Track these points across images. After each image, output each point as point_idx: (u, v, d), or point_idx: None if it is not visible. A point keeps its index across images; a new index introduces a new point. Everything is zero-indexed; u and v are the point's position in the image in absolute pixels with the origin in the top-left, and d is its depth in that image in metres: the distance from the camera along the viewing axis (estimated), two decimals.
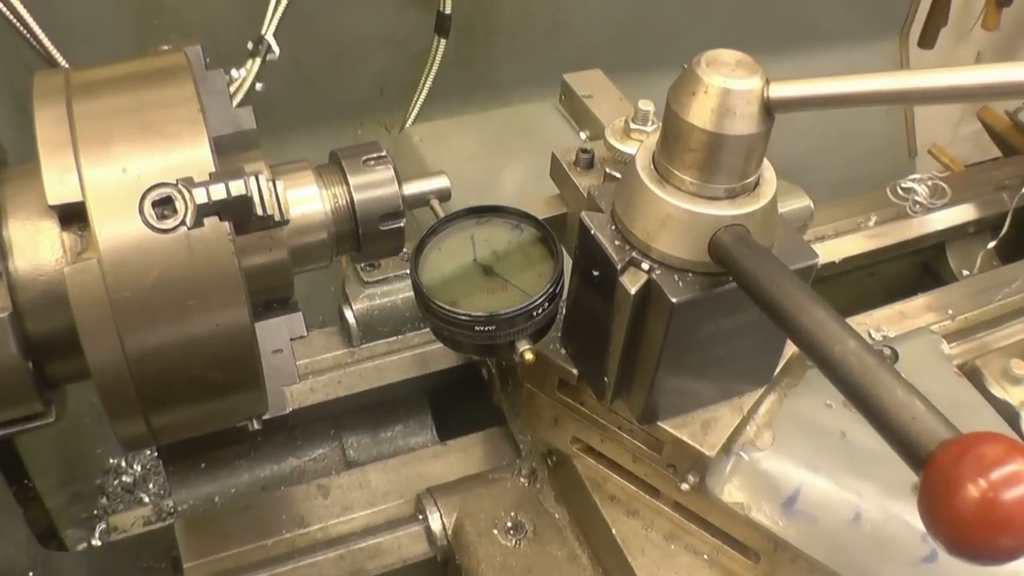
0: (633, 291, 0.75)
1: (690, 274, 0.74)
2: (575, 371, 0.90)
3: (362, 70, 1.67)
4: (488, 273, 0.85)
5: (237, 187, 0.62)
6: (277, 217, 0.64)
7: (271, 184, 0.64)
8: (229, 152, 0.76)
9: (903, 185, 1.53)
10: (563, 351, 0.91)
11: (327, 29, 1.58)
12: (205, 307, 0.65)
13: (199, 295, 0.64)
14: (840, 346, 0.58)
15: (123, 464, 1.59)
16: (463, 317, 0.80)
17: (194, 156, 0.65)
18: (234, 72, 1.35)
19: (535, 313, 0.81)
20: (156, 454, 1.55)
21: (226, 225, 0.64)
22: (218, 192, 0.62)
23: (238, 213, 0.63)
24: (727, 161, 0.70)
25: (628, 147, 0.92)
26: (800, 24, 1.97)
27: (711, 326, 0.78)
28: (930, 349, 1.02)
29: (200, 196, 0.61)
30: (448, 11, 1.55)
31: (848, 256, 1.44)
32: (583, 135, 1.27)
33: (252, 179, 0.63)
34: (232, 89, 1.40)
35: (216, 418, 0.76)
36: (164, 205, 0.62)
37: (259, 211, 0.63)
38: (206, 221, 0.63)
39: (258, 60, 1.37)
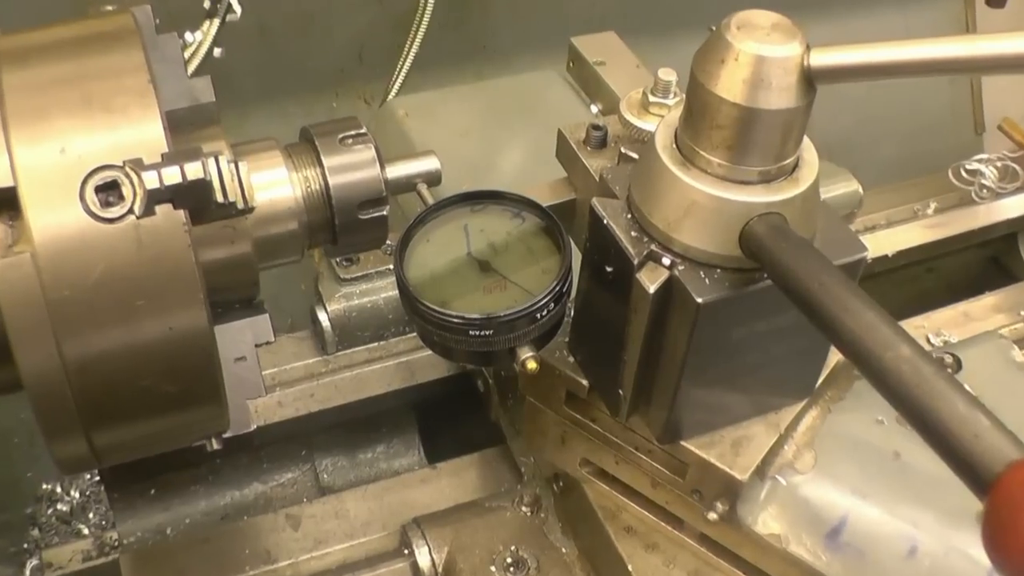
0: (652, 289, 0.76)
1: (718, 270, 0.75)
2: (585, 382, 0.90)
3: (338, 33, 1.68)
4: (484, 269, 0.86)
5: (194, 170, 0.62)
6: (240, 204, 0.65)
7: (233, 166, 0.64)
8: (184, 129, 0.76)
9: (968, 166, 1.53)
10: (571, 359, 0.92)
11: None
12: (157, 308, 0.65)
13: (150, 294, 0.65)
14: (892, 353, 0.59)
15: (58, 490, 1.59)
16: (455, 320, 0.81)
17: (144, 134, 0.66)
18: (189, 36, 1.36)
19: (539, 315, 0.82)
20: (97, 478, 1.55)
21: (181, 214, 0.64)
22: (172, 176, 0.62)
23: (195, 200, 0.63)
24: (761, 140, 0.71)
25: (646, 123, 0.92)
26: None
27: (743, 330, 0.78)
28: (999, 356, 1.03)
29: (151, 180, 0.62)
30: None
31: (903, 249, 1.45)
32: (594, 109, 1.28)
33: (211, 160, 0.63)
34: (187, 55, 1.40)
35: (169, 437, 0.77)
36: (109, 191, 0.63)
37: (219, 198, 0.64)
38: (158, 209, 0.63)
39: (217, 21, 1.37)
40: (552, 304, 0.82)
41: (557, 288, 0.82)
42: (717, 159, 0.72)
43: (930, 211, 1.50)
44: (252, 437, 1.18)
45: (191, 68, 1.38)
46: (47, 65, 0.69)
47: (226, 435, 0.78)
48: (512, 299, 0.82)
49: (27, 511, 1.57)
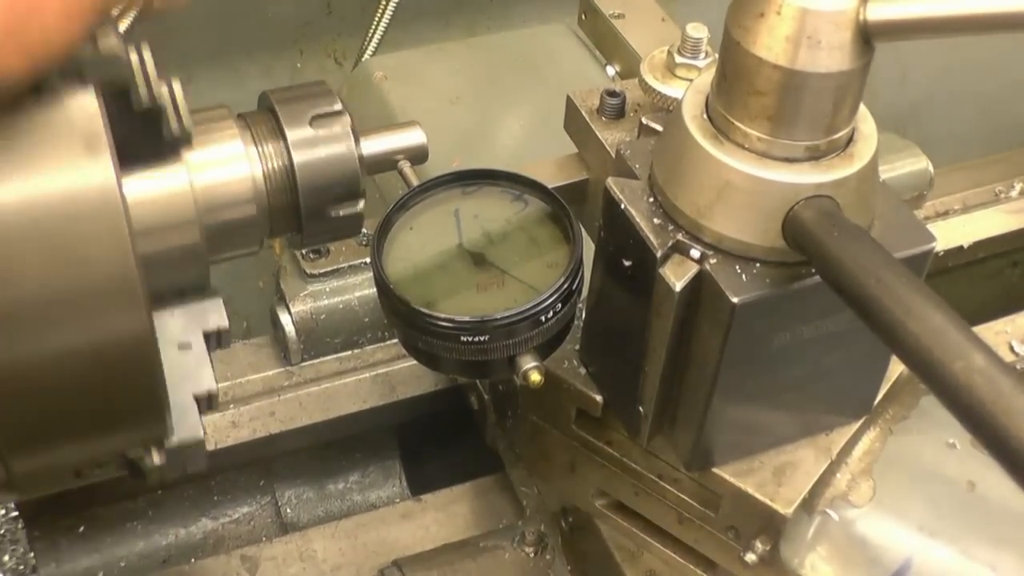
0: (678, 287, 0.76)
1: (757, 264, 0.76)
2: (599, 398, 0.91)
3: None
4: (479, 262, 0.86)
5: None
6: (174, 127, 0.66)
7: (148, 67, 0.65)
8: None
9: None
10: (582, 370, 0.92)
11: None
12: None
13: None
14: (963, 363, 0.59)
15: None
16: (444, 323, 0.81)
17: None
18: None
19: (543, 318, 0.82)
20: (15, 514, 1.55)
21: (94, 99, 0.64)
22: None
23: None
24: (809, 109, 0.71)
25: (672, 88, 0.93)
26: None
27: (786, 336, 0.79)
28: None
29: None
30: None
31: (982, 239, 1.45)
32: (611, 71, 1.28)
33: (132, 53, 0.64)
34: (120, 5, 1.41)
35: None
36: None
37: (143, 93, 0.65)
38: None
39: None
40: (559, 305, 0.83)
41: (565, 285, 0.83)
42: (756, 132, 0.73)
43: (1015, 193, 1.50)
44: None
45: (123, 24, 1.39)
46: None
47: (171, 442, 0.76)
48: (511, 298, 0.83)
49: None
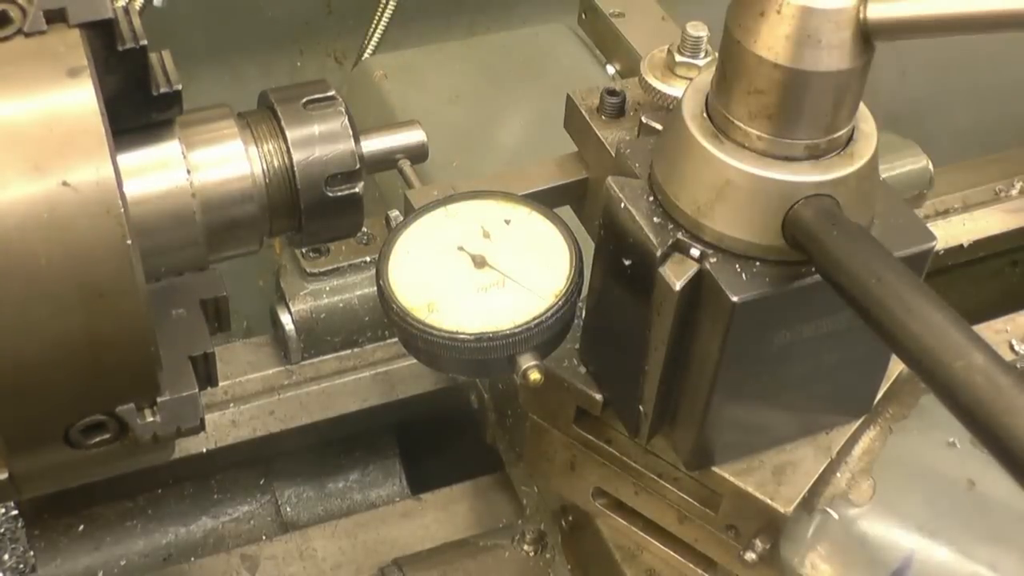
0: (678, 286, 0.76)
1: (757, 263, 0.75)
2: (599, 397, 0.91)
3: None
4: (479, 264, 0.86)
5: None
6: (161, 80, 0.67)
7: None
8: None
9: None
10: (582, 369, 0.92)
11: None
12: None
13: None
14: (963, 362, 0.59)
15: None
16: (445, 339, 0.82)
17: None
18: None
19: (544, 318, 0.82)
20: (14, 512, 1.55)
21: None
22: None
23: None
24: (809, 107, 0.71)
25: (672, 87, 0.93)
26: None
27: (786, 334, 0.79)
28: None
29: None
30: None
31: (982, 238, 1.45)
32: (610, 69, 1.28)
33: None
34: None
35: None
36: None
37: (125, 36, 0.66)
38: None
39: None
40: (559, 304, 0.83)
41: (568, 288, 0.83)
42: (756, 131, 0.73)
43: (1015, 192, 1.50)
44: (201, 463, 1.18)
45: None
46: None
47: (162, 397, 0.74)
48: (513, 299, 0.83)
49: None
